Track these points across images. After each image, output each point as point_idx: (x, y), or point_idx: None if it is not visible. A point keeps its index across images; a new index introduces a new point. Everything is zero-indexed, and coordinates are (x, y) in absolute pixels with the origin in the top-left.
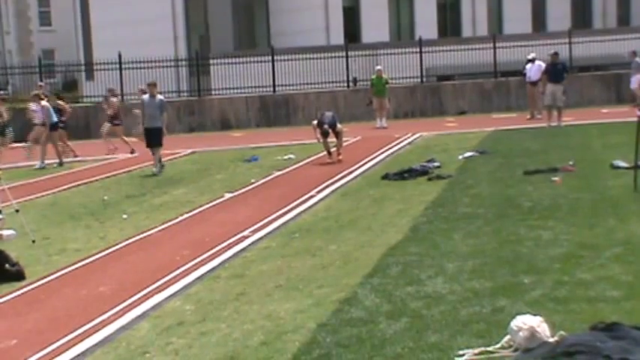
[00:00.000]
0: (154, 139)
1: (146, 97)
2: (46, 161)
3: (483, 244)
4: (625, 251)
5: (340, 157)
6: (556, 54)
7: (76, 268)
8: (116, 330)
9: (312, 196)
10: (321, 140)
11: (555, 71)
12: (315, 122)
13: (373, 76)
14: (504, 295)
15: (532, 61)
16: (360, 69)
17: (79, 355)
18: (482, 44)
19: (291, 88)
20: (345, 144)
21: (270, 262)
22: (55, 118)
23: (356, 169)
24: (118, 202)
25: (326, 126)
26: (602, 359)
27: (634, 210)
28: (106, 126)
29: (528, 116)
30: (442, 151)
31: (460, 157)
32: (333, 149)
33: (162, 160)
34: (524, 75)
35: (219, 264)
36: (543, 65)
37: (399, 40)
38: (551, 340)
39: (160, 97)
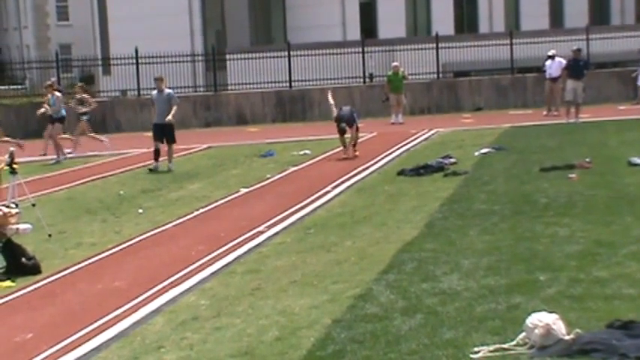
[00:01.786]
0: (166, 136)
1: (154, 92)
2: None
3: (499, 241)
4: None
5: (357, 153)
6: (579, 50)
7: (92, 263)
8: (131, 324)
9: (327, 192)
10: (335, 110)
11: (577, 67)
12: (334, 110)
13: (389, 72)
14: (520, 292)
15: (552, 57)
16: (377, 65)
17: (94, 349)
18: (499, 40)
19: (308, 83)
20: (360, 140)
21: (286, 257)
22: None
23: (372, 165)
24: (133, 197)
25: (343, 124)
26: (618, 357)
27: None
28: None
29: (545, 112)
30: (458, 147)
31: (476, 153)
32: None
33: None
34: (544, 71)
35: (235, 259)
36: (564, 62)
37: (416, 36)
38: (566, 337)
39: (168, 90)
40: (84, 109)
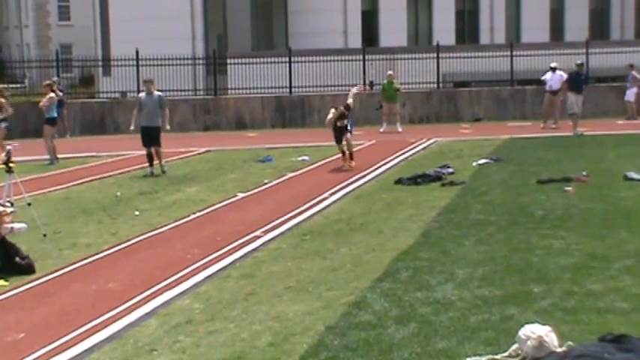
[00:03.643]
0: (153, 139)
1: (143, 95)
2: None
3: (494, 252)
4: (636, 263)
5: (352, 164)
6: (582, 64)
7: (86, 264)
8: (124, 327)
9: (324, 199)
10: (331, 119)
11: (579, 81)
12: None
13: (384, 81)
14: (514, 303)
15: (554, 70)
16: (377, 73)
17: (86, 350)
18: (500, 52)
19: (308, 89)
20: (359, 147)
21: (281, 263)
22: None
23: (370, 173)
24: (130, 199)
25: (342, 107)
26: None
27: None
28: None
29: (542, 125)
30: (456, 158)
31: (474, 163)
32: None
33: (163, 162)
34: (545, 84)
35: (230, 263)
36: (565, 75)
37: (417, 45)
38: (559, 350)
39: (157, 93)
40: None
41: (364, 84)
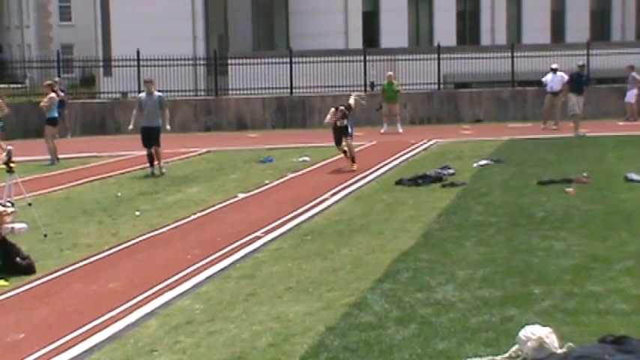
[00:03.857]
0: (153, 139)
1: (143, 95)
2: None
3: (495, 253)
4: (636, 264)
5: (354, 167)
6: (583, 65)
7: (87, 264)
8: (125, 327)
9: (325, 199)
10: (333, 123)
11: (580, 82)
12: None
13: (385, 82)
14: (514, 304)
15: (555, 71)
16: (378, 74)
17: (86, 350)
18: (501, 53)
19: (309, 90)
20: (360, 148)
21: (281, 263)
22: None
23: (370, 174)
24: (131, 199)
25: (342, 107)
26: None
27: None
28: None
29: (542, 126)
30: (457, 159)
31: (475, 164)
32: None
33: (162, 162)
34: (545, 85)
35: (230, 264)
36: (565, 77)
37: (418, 46)
38: (559, 351)
39: (158, 94)
40: None
41: (365, 87)
